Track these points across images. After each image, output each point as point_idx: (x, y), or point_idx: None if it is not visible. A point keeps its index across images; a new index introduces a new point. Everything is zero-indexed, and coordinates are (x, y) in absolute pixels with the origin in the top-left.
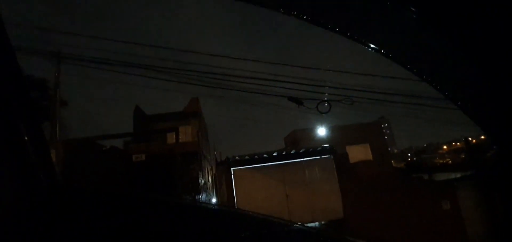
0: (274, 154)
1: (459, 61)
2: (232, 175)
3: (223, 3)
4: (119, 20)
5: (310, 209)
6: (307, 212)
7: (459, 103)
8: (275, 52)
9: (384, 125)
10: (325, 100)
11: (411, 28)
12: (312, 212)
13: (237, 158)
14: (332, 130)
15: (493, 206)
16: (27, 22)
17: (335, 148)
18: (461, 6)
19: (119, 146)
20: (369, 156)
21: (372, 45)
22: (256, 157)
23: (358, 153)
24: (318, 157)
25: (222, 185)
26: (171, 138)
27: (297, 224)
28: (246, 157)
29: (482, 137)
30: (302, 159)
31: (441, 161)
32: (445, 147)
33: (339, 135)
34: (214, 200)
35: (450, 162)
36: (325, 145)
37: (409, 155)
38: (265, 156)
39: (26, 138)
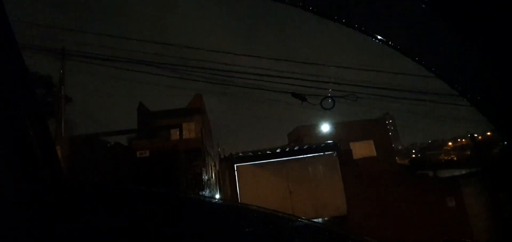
0: (278, 150)
1: (469, 54)
2: (235, 171)
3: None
4: (122, 16)
5: (314, 205)
6: (311, 208)
7: (468, 96)
8: (277, 47)
9: (389, 121)
10: (329, 97)
11: (421, 20)
12: (316, 208)
13: (240, 154)
14: (336, 126)
15: (499, 203)
16: (32, 19)
17: (338, 144)
18: None
19: (123, 142)
20: (373, 153)
21: (379, 37)
22: (259, 153)
23: (362, 149)
24: (322, 153)
25: (225, 181)
26: (174, 134)
27: (302, 219)
28: (250, 153)
29: (488, 134)
30: (305, 155)
31: (446, 158)
32: (450, 144)
33: (343, 131)
34: (217, 196)
35: (455, 158)
36: (328, 141)
37: (413, 151)
38: (268, 152)
39: (31, 132)
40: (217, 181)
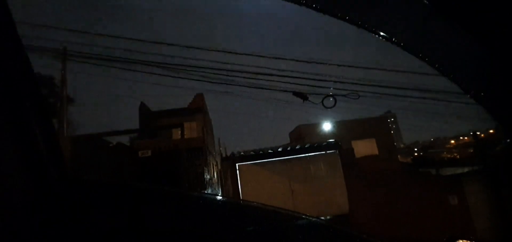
0: (279, 149)
1: (473, 50)
2: (237, 171)
3: None
4: (121, 16)
5: (316, 204)
6: (312, 207)
7: (472, 93)
8: (277, 46)
9: (391, 119)
10: (330, 95)
11: (423, 16)
12: (318, 207)
13: (242, 153)
14: (338, 125)
15: (501, 201)
16: (32, 20)
17: (340, 142)
18: None
19: (125, 142)
20: (375, 151)
21: (382, 34)
22: (261, 152)
23: (364, 148)
24: (323, 152)
25: (227, 180)
26: (176, 134)
27: (306, 216)
28: (251, 153)
29: (491, 131)
30: (307, 154)
31: (448, 156)
32: (452, 142)
33: (345, 130)
34: (219, 195)
35: (457, 156)
36: (330, 140)
37: (415, 149)
38: (270, 151)
39: (37, 131)
40: (219, 180)
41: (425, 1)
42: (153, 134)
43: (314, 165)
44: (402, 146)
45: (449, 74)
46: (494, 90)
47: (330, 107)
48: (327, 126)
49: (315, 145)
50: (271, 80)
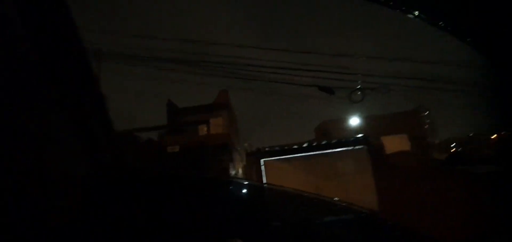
0: (305, 145)
1: None
2: (262, 166)
3: None
4: (138, 16)
5: (343, 201)
6: None
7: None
8: (300, 40)
9: (424, 113)
10: (358, 89)
11: None
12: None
13: (266, 149)
14: (366, 120)
15: None
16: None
17: (369, 138)
18: None
19: (154, 138)
20: (407, 147)
21: (416, 13)
22: (286, 148)
23: (395, 143)
24: (351, 148)
25: (252, 176)
26: (202, 130)
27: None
28: (276, 148)
29: None
30: (334, 150)
31: (489, 152)
32: (493, 137)
33: (374, 125)
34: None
35: (498, 153)
36: (358, 135)
37: (452, 145)
38: (295, 147)
39: (95, 123)
40: (244, 176)
41: None
42: (180, 130)
43: (341, 161)
44: (437, 141)
45: (497, 58)
46: None
47: (358, 102)
48: (354, 121)
49: (342, 141)
50: (296, 75)
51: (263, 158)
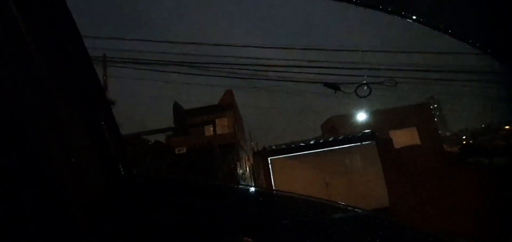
0: (311, 142)
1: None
2: (270, 165)
3: None
4: (137, 20)
5: (352, 197)
6: (349, 200)
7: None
8: (304, 38)
9: (434, 105)
10: (365, 84)
11: None
12: (355, 200)
13: (273, 147)
14: (373, 114)
15: None
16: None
17: (377, 133)
18: None
19: (162, 140)
20: (417, 141)
21: (414, 17)
22: (293, 145)
23: (404, 137)
24: (359, 144)
25: (260, 175)
26: (208, 131)
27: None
28: (283, 146)
29: None
30: (341, 146)
31: (503, 143)
32: (507, 127)
33: (382, 119)
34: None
35: None
36: (366, 131)
37: (464, 137)
38: (302, 144)
39: (106, 132)
40: (252, 175)
41: None
42: (186, 131)
43: (350, 157)
44: (447, 134)
45: (502, 58)
46: None
47: (365, 97)
48: (361, 116)
49: (350, 136)
50: (301, 72)
51: (270, 157)
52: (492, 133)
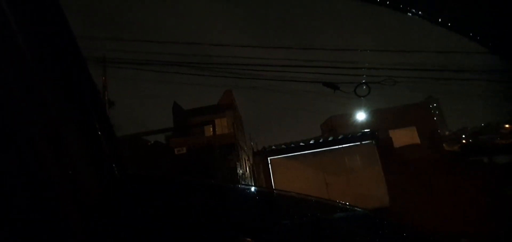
0: (311, 142)
1: None
2: (270, 165)
3: None
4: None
5: (352, 197)
6: (349, 200)
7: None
8: (303, 38)
9: (433, 105)
10: (364, 83)
11: None
12: (354, 200)
13: (273, 147)
14: (373, 113)
15: None
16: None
17: (377, 132)
18: None
19: (161, 141)
20: (416, 140)
21: (414, 12)
22: (292, 145)
23: (404, 137)
24: (359, 143)
25: (260, 174)
26: (208, 131)
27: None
28: (283, 146)
29: None
30: (341, 146)
31: (503, 142)
32: (507, 126)
33: (381, 119)
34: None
35: None
36: (365, 130)
37: (463, 136)
38: (301, 144)
39: (99, 133)
40: (252, 175)
41: None
42: (186, 131)
43: (349, 157)
44: (447, 133)
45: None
46: None
47: (364, 96)
48: (361, 116)
49: (349, 136)
50: (300, 72)
51: (270, 156)
52: (492, 132)
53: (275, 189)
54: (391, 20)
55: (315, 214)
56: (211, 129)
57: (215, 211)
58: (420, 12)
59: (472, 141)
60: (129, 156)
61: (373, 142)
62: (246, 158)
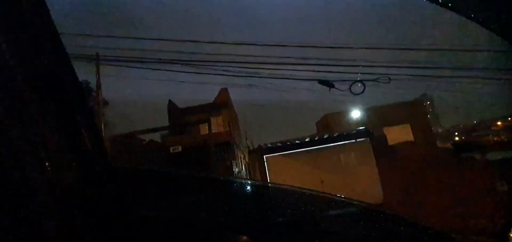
0: (307, 140)
1: None
2: (265, 162)
3: None
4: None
5: (347, 194)
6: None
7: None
8: (298, 35)
9: (427, 102)
10: (359, 81)
11: None
12: (349, 197)
13: (269, 145)
14: (368, 111)
15: None
16: (64, 29)
17: (371, 130)
18: None
19: (157, 139)
20: (410, 137)
21: None
22: (288, 143)
23: (398, 134)
24: (353, 141)
25: (255, 172)
26: (203, 129)
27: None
28: (278, 144)
29: None
30: (336, 144)
31: (495, 139)
32: (499, 123)
33: (376, 117)
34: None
35: (505, 139)
36: (360, 128)
37: (456, 133)
38: (297, 142)
39: (83, 129)
40: (248, 173)
41: None
42: (182, 130)
43: (344, 154)
44: (440, 130)
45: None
46: None
47: (359, 94)
48: (356, 114)
49: (344, 134)
50: (295, 70)
51: (265, 155)
52: (484, 129)
53: (270, 182)
54: (387, 16)
55: (311, 209)
56: (207, 127)
57: (209, 207)
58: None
59: (464, 138)
60: (125, 154)
61: (368, 139)
62: (242, 156)
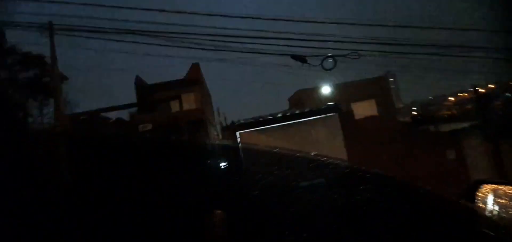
0: (279, 115)
1: None
2: (238, 139)
3: None
4: None
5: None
6: None
7: None
8: (270, 7)
9: (390, 79)
10: (330, 56)
11: None
12: None
13: (242, 121)
14: (337, 87)
15: (500, 154)
16: None
17: (340, 105)
18: None
19: (124, 118)
20: (375, 112)
21: None
22: (260, 119)
23: (364, 109)
24: (323, 116)
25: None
26: (174, 106)
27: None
28: (251, 120)
29: (491, 86)
30: (307, 119)
31: (447, 113)
32: (451, 98)
33: (345, 92)
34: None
35: (455, 113)
36: (329, 103)
37: (414, 108)
38: (269, 117)
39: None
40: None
41: None
42: (151, 107)
43: (315, 129)
44: (401, 105)
45: None
46: None
47: (330, 69)
48: (326, 90)
49: (315, 109)
50: (268, 44)
51: (238, 131)
52: (438, 104)
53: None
54: None
55: (285, 180)
56: (178, 104)
57: (185, 184)
58: None
59: (421, 113)
60: (88, 134)
61: (337, 114)
62: (215, 134)
